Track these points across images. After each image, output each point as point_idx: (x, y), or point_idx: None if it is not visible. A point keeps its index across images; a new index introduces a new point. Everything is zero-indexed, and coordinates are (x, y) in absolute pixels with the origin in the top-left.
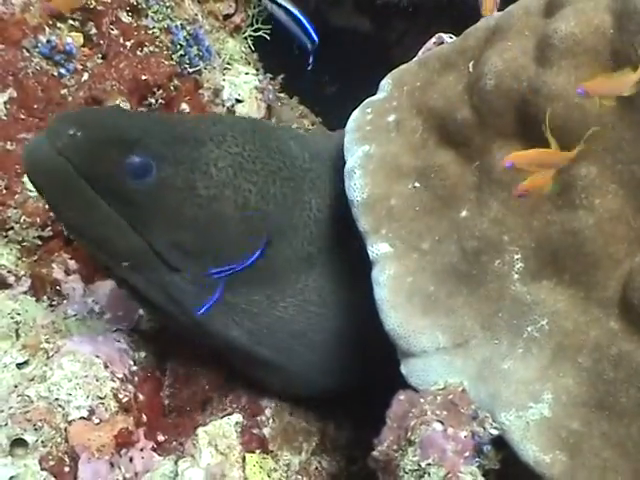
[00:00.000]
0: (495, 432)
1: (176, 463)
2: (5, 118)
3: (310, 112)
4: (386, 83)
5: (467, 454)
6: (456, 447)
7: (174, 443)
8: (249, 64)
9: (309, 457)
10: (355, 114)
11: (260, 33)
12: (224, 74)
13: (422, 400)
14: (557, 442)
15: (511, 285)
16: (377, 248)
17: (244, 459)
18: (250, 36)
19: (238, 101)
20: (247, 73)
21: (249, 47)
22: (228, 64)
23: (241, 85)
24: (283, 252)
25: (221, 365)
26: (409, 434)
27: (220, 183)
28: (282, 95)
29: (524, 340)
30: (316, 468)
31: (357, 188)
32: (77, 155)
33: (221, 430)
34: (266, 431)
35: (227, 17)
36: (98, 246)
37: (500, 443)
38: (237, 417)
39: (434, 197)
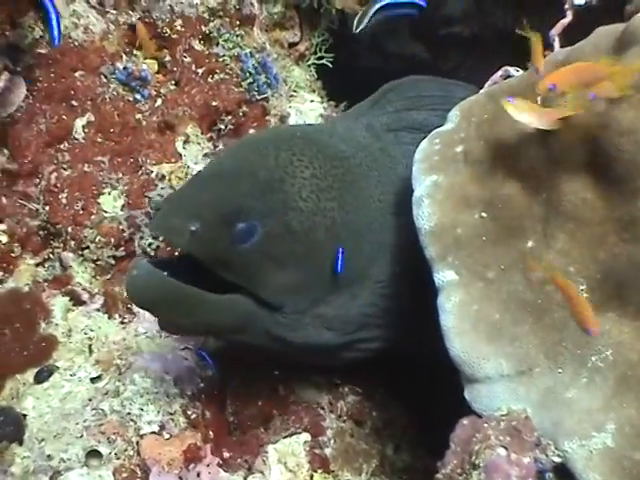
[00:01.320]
0: (557, 460)
1: (245, 479)
2: (83, 141)
3: None
4: (454, 114)
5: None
6: (520, 472)
7: (239, 460)
8: (314, 92)
9: (369, 478)
10: (423, 144)
11: (323, 61)
12: (290, 101)
13: (486, 425)
14: (620, 472)
15: None
16: (443, 275)
17: (312, 477)
18: (314, 64)
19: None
20: (312, 101)
21: (313, 75)
22: (294, 91)
23: (307, 112)
24: (363, 250)
25: (280, 384)
26: (473, 458)
27: (310, 213)
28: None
29: (588, 370)
30: None
31: (425, 216)
32: (201, 247)
33: (290, 448)
34: (328, 451)
35: (292, 45)
36: (207, 330)
37: (561, 471)
38: (305, 436)
39: (500, 227)
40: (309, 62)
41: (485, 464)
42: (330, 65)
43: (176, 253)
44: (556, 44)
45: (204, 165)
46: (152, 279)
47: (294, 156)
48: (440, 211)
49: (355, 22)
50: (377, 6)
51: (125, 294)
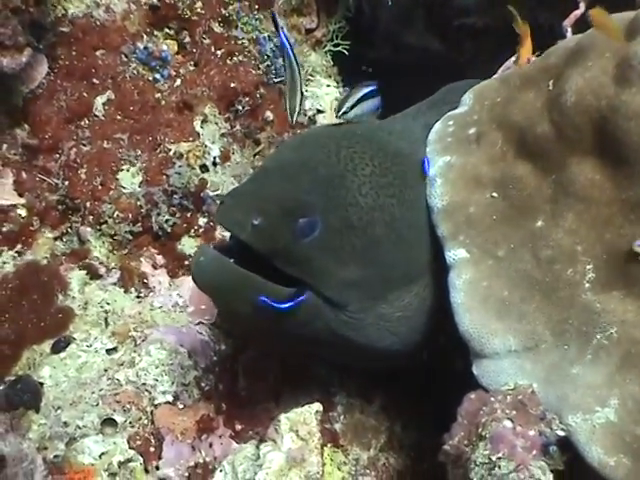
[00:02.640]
0: (562, 433)
1: (257, 447)
2: (103, 118)
3: None
4: (468, 98)
5: (535, 452)
6: (525, 444)
7: (250, 432)
8: (330, 77)
9: (377, 453)
10: (437, 126)
11: (339, 48)
12: (307, 85)
13: (493, 399)
14: (622, 446)
15: (582, 294)
16: (455, 253)
17: (323, 446)
18: (330, 51)
19: (319, 111)
20: (328, 85)
21: (329, 61)
22: (311, 76)
23: (322, 96)
24: (423, 248)
25: (291, 360)
26: (480, 430)
27: (369, 208)
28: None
29: (593, 347)
30: (384, 464)
31: (437, 195)
32: (262, 241)
33: (302, 417)
34: (337, 426)
35: (309, 31)
36: (271, 322)
37: (565, 445)
38: (317, 406)
39: (511, 207)
40: (325, 49)
41: (491, 435)
42: (346, 53)
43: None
44: (569, 35)
45: (221, 145)
46: (218, 265)
47: (355, 153)
48: (452, 190)
49: (337, 105)
50: (363, 92)
51: (191, 279)
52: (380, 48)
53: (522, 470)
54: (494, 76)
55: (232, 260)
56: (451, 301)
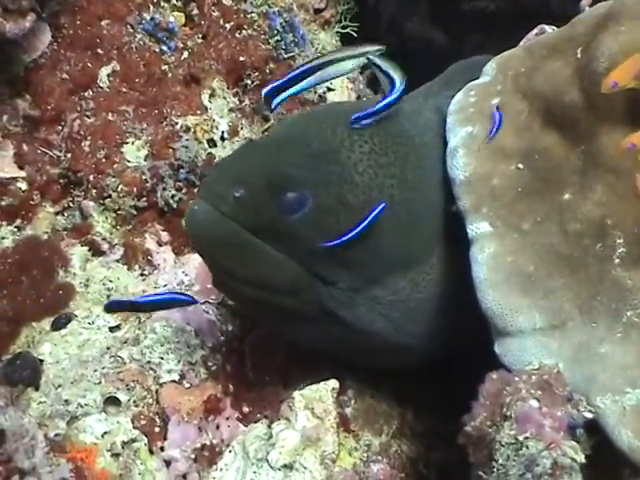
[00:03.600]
0: (589, 415)
1: (269, 426)
2: (108, 90)
3: None
4: (490, 68)
5: (563, 432)
6: (553, 423)
7: (258, 415)
8: None
9: (389, 440)
10: (458, 96)
11: (348, 30)
12: None
13: (517, 379)
14: None
15: (612, 269)
16: (477, 227)
17: (338, 425)
18: (338, 32)
19: (329, 89)
20: None
21: (338, 42)
22: (321, 53)
23: None
24: (423, 233)
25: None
26: (504, 410)
27: (366, 187)
28: (368, 91)
29: (623, 325)
30: (396, 451)
31: (460, 167)
32: (244, 214)
33: (318, 394)
34: (348, 411)
35: (317, 11)
36: (263, 286)
37: (593, 427)
38: (334, 382)
39: (537, 178)
40: (334, 29)
41: (517, 415)
42: (355, 35)
43: None
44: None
45: (229, 120)
46: (214, 216)
47: (353, 130)
48: (476, 161)
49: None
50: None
51: (185, 231)
52: (384, 38)
53: (554, 449)
54: (517, 47)
55: None
56: (473, 276)
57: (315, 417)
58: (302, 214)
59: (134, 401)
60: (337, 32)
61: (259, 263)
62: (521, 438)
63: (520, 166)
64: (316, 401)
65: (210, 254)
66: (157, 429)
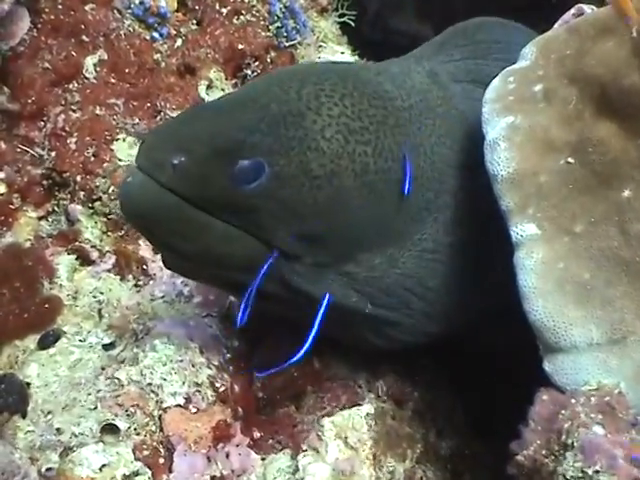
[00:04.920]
0: None
1: (293, 457)
2: (95, 81)
3: None
4: (530, 51)
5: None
6: (624, 454)
7: (270, 441)
8: (341, 45)
9: (414, 465)
10: (495, 83)
11: (345, 19)
12: (319, 51)
13: (573, 401)
14: None
15: None
16: (522, 229)
17: (374, 457)
18: (336, 21)
19: None
20: (343, 53)
21: (338, 30)
22: (323, 42)
23: None
24: (404, 206)
25: (313, 357)
26: (563, 437)
27: (334, 155)
28: None
29: None
30: (421, 478)
31: (502, 162)
32: (186, 184)
33: (351, 421)
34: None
35: None
36: (215, 263)
37: None
38: (368, 407)
39: (591, 174)
40: (333, 17)
41: (581, 444)
42: (352, 23)
43: None
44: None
45: None
46: (151, 189)
47: (322, 91)
48: (520, 156)
49: None
50: None
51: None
52: (370, 32)
53: None
54: (556, 26)
55: None
56: (519, 285)
57: (349, 448)
58: (258, 184)
59: (135, 429)
60: (335, 21)
61: (206, 238)
62: (590, 471)
63: (570, 160)
64: (349, 429)
65: (148, 231)
66: (161, 460)
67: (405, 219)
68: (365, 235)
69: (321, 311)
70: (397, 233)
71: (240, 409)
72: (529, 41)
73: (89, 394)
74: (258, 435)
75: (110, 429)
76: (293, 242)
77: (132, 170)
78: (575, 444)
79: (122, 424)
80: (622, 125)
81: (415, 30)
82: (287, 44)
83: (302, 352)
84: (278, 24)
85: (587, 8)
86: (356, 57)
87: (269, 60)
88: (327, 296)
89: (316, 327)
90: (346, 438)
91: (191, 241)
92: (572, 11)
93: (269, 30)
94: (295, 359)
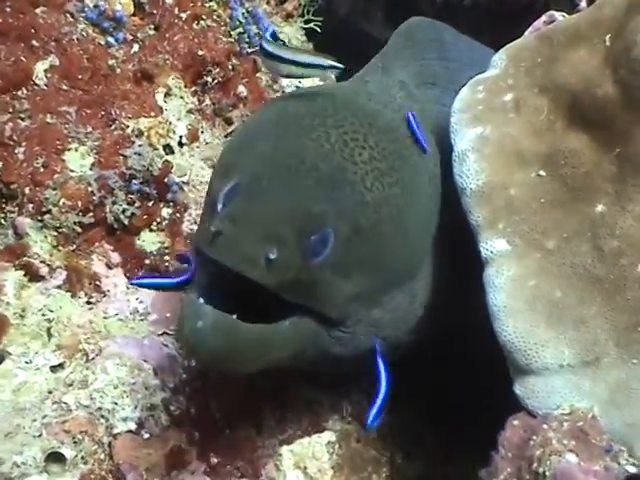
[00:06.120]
0: (633, 469)
1: None
2: (45, 88)
3: None
4: (499, 59)
5: None
6: None
7: (228, 467)
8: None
9: None
10: (463, 92)
11: (311, 25)
12: None
13: (545, 427)
14: None
15: None
16: (492, 245)
17: None
18: (301, 27)
19: (298, 88)
20: None
21: (304, 36)
22: None
23: None
24: (422, 237)
25: (272, 377)
26: (535, 466)
27: (376, 205)
28: None
29: None
30: None
31: (471, 174)
32: (279, 276)
33: (311, 450)
34: (332, 459)
35: (280, 3)
36: (266, 364)
37: None
38: (329, 435)
39: (563, 188)
40: (298, 23)
41: (554, 472)
42: (318, 30)
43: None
44: (583, 3)
45: (188, 123)
46: (225, 329)
47: (346, 135)
48: (489, 168)
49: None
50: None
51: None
52: (338, 38)
53: None
54: (526, 34)
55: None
56: (488, 304)
57: (308, 478)
58: (324, 256)
59: (82, 457)
60: (300, 27)
61: (272, 349)
62: None
63: (542, 173)
64: (309, 458)
65: (222, 367)
66: None
67: (423, 249)
68: (396, 276)
69: (381, 367)
70: (417, 265)
71: (197, 433)
72: (457, 40)
73: (34, 420)
74: (216, 461)
75: (55, 458)
76: (343, 306)
77: (194, 309)
78: (547, 473)
79: (68, 452)
80: (595, 137)
81: (383, 35)
82: (250, 50)
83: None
84: (240, 29)
85: (559, 15)
86: None
87: (231, 67)
88: (377, 346)
89: (384, 383)
90: (305, 468)
91: (258, 358)
92: (543, 18)
93: (231, 36)
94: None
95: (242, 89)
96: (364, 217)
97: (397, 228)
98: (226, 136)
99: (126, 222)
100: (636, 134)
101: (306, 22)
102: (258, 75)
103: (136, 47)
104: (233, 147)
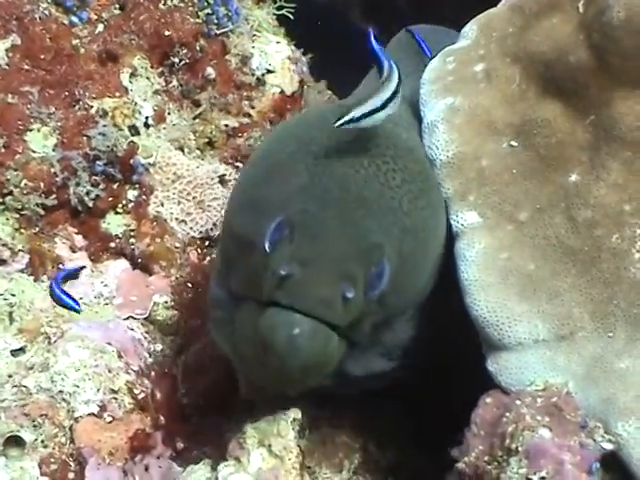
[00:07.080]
0: (608, 446)
1: (214, 468)
2: (7, 67)
3: (338, 99)
4: (470, 29)
5: (588, 469)
6: (574, 459)
7: (195, 452)
8: (277, 35)
9: (351, 477)
10: (434, 64)
11: (283, 12)
12: (253, 41)
13: (518, 403)
14: None
15: (631, 266)
16: (463, 217)
17: (302, 465)
18: (274, 14)
19: (269, 71)
20: (278, 42)
21: (275, 22)
22: (257, 31)
23: (272, 54)
24: (440, 259)
25: None
26: (508, 442)
27: (414, 231)
28: (309, 74)
29: None
30: None
31: (440, 145)
32: (351, 315)
33: (275, 427)
34: (302, 442)
35: None
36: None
37: (612, 461)
38: (295, 412)
39: (536, 158)
40: (270, 7)
41: (526, 448)
42: (291, 17)
43: None
44: None
45: (154, 104)
46: (324, 336)
47: (375, 158)
48: (460, 139)
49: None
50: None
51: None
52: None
53: None
54: (500, 4)
55: None
56: (460, 278)
57: (273, 456)
58: (380, 290)
59: (42, 441)
60: (272, 13)
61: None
62: (535, 478)
63: (514, 143)
64: (273, 436)
65: (303, 380)
66: (71, 475)
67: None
68: (416, 299)
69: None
70: (429, 285)
71: (162, 417)
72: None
73: None
74: (182, 446)
75: (15, 441)
76: (370, 332)
77: (289, 317)
78: (520, 449)
79: (28, 436)
80: (568, 105)
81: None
82: (218, 32)
83: None
84: (208, 10)
85: None
86: (292, 48)
87: (198, 48)
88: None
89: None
90: (270, 446)
91: (323, 371)
92: None
93: (198, 16)
94: None
95: (210, 71)
96: (406, 244)
97: (426, 252)
98: (195, 118)
99: (90, 204)
100: (610, 99)
101: (278, 8)
102: (227, 57)
103: (101, 27)
104: (258, 182)
